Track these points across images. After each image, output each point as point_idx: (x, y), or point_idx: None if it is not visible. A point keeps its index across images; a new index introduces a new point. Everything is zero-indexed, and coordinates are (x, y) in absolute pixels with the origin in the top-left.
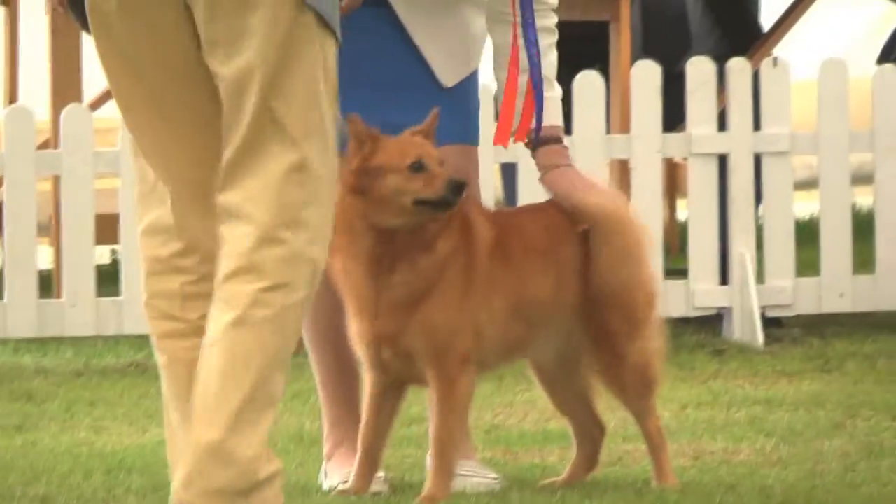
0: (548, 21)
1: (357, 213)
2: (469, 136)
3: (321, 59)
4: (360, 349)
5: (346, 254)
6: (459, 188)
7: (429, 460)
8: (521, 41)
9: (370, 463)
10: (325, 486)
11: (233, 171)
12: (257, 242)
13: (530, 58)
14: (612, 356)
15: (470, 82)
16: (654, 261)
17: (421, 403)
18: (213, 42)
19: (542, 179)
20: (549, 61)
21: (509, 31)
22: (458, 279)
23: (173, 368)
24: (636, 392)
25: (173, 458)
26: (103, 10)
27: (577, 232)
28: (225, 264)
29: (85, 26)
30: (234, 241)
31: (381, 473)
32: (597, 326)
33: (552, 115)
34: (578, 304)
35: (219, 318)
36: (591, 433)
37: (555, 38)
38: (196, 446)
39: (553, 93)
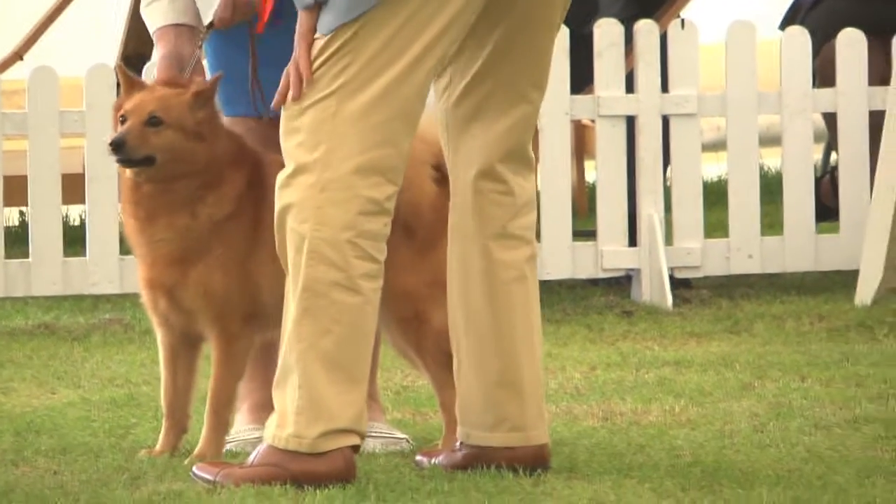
0: None
1: None
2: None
3: None
4: (142, 294)
5: (122, 198)
6: (113, 146)
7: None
8: None
9: (174, 423)
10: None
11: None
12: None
13: None
14: (414, 319)
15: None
16: (563, 222)
17: None
18: None
19: None
20: None
21: None
22: (236, 242)
23: (365, 309)
24: (437, 361)
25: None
26: None
27: None
28: (525, 209)
29: None
30: (529, 188)
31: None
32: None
33: None
34: None
35: (522, 253)
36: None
37: None
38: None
39: None
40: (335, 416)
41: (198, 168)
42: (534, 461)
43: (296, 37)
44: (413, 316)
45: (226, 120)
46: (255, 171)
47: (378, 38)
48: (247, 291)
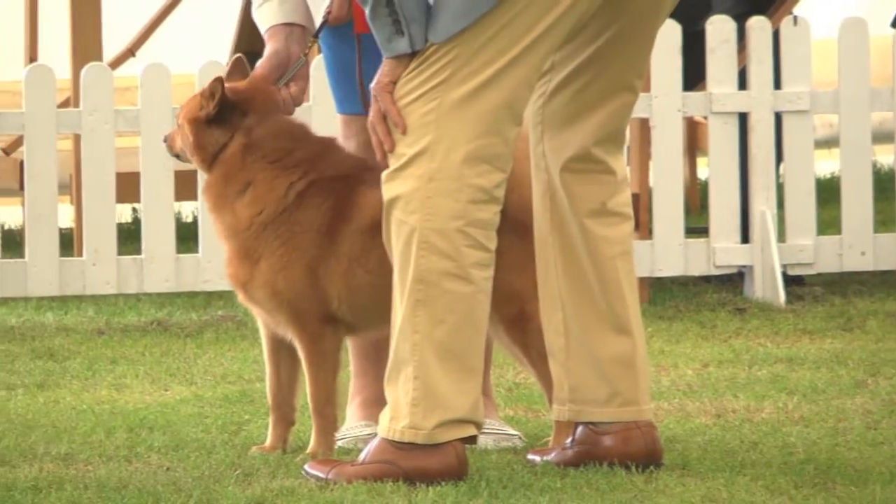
0: None
1: None
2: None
3: None
4: None
5: None
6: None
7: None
8: None
9: (281, 416)
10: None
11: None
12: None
13: None
14: (519, 318)
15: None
16: (675, 219)
17: None
18: None
19: None
20: None
21: None
22: (300, 245)
23: (477, 298)
24: (541, 353)
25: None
26: None
27: None
28: (622, 184)
29: None
30: (623, 165)
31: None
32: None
33: None
34: None
35: (625, 229)
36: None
37: None
38: (645, 349)
39: None
40: (452, 406)
41: (198, 163)
42: (646, 449)
43: (375, 86)
44: (518, 315)
45: (340, 119)
46: (331, 180)
47: (485, 34)
48: (316, 296)
